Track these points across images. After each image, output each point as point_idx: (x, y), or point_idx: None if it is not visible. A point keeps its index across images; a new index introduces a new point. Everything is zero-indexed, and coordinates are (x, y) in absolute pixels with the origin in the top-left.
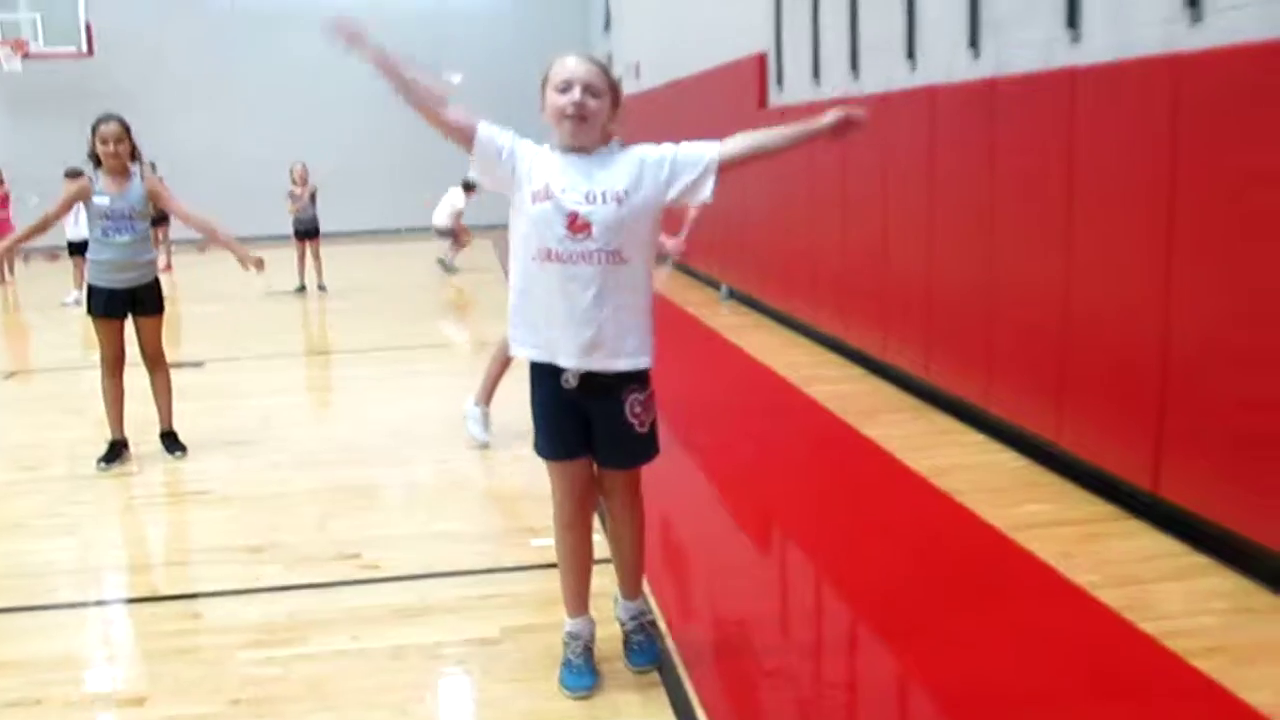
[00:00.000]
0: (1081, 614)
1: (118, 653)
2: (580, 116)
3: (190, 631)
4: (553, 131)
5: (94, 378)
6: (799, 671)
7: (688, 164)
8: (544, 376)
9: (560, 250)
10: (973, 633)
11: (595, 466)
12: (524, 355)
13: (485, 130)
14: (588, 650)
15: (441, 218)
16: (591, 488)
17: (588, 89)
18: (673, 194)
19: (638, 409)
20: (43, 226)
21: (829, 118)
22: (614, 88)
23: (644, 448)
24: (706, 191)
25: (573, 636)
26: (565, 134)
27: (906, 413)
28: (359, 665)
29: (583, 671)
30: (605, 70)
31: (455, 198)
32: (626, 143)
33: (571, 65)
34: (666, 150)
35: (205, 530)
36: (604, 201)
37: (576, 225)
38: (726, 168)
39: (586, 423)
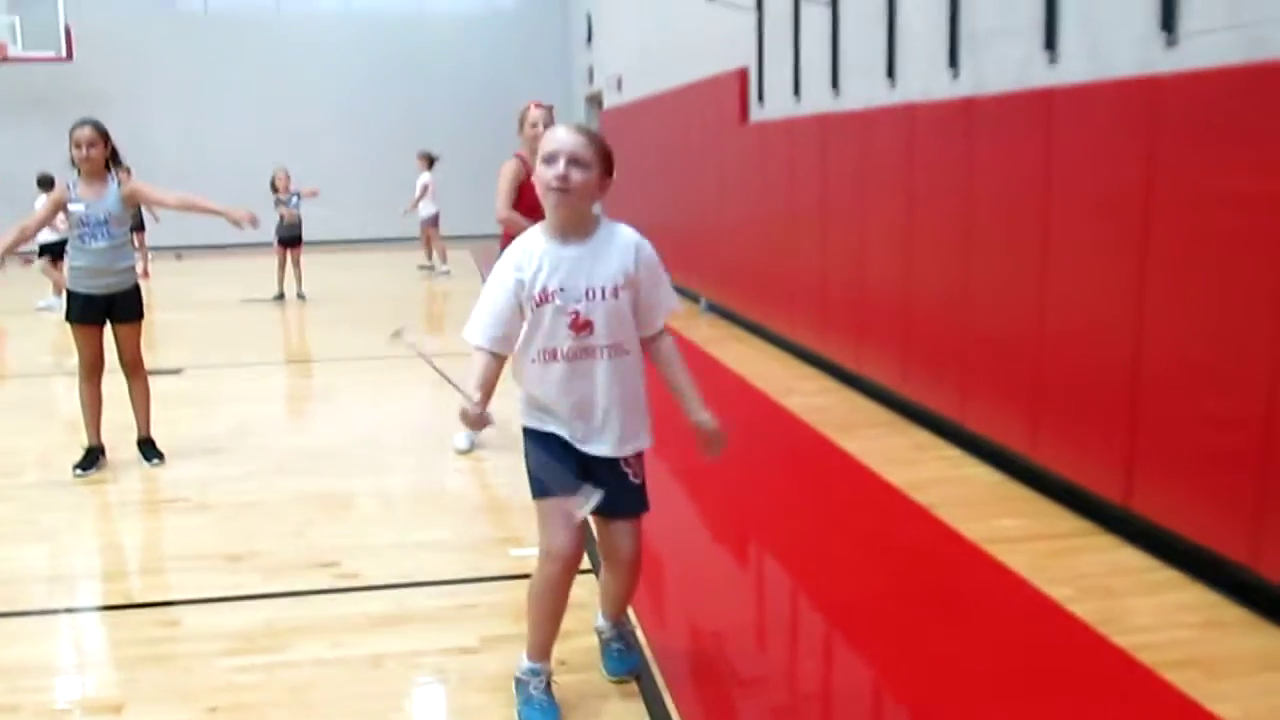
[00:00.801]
0: (1055, 627)
1: (94, 660)
2: (563, 189)
3: (168, 639)
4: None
5: (68, 383)
6: (775, 682)
7: (655, 308)
8: (546, 437)
9: (565, 349)
10: (947, 644)
11: (602, 524)
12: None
13: (490, 339)
14: (549, 685)
15: (429, 206)
16: (583, 535)
17: (573, 160)
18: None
19: (633, 461)
20: (21, 239)
21: (700, 419)
22: (604, 157)
23: (640, 497)
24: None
25: (535, 674)
26: (551, 205)
27: (883, 426)
28: (337, 674)
29: (546, 708)
30: (594, 141)
31: (425, 178)
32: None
33: (559, 137)
34: (661, 273)
35: (183, 537)
36: (602, 298)
37: (579, 324)
38: (648, 340)
39: (584, 470)
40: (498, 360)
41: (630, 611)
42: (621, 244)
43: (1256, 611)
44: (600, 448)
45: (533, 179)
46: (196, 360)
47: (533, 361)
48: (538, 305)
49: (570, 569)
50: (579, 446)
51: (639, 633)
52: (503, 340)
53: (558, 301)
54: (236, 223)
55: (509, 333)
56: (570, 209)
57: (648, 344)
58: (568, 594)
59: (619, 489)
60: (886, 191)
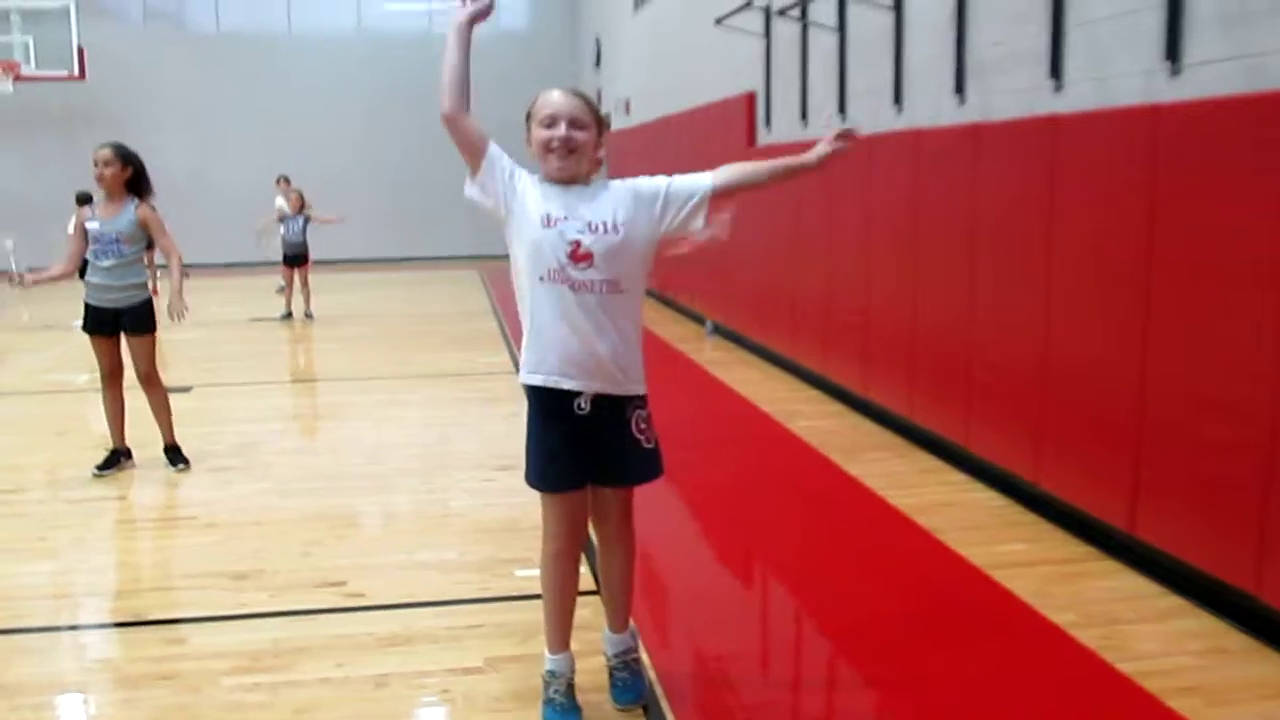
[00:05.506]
0: (1059, 653)
1: (100, 677)
2: (568, 149)
3: (174, 657)
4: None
5: (78, 400)
6: (780, 707)
7: (680, 196)
8: (551, 406)
9: (563, 277)
10: (952, 670)
11: (593, 492)
12: (533, 382)
13: (496, 149)
14: (570, 687)
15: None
16: (585, 519)
17: (573, 123)
18: (665, 226)
19: (643, 425)
20: (65, 273)
21: (815, 154)
22: (598, 119)
23: (650, 464)
24: (698, 223)
25: (554, 675)
26: (552, 167)
27: (888, 450)
28: (343, 693)
29: (567, 710)
30: (589, 103)
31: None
32: (612, 179)
33: (556, 100)
34: (660, 183)
35: (189, 555)
36: (604, 232)
37: (578, 255)
38: (719, 198)
39: (588, 452)
40: (474, 125)
41: (636, 637)
42: (616, 189)
43: (1260, 639)
44: (592, 384)
45: (530, 141)
46: (205, 379)
47: (540, 280)
48: (541, 227)
49: (567, 555)
50: (580, 387)
51: (644, 658)
52: (495, 159)
53: (560, 227)
54: (169, 311)
55: (496, 169)
56: (572, 168)
57: (725, 198)
58: (573, 580)
59: (625, 453)
60: (892, 216)
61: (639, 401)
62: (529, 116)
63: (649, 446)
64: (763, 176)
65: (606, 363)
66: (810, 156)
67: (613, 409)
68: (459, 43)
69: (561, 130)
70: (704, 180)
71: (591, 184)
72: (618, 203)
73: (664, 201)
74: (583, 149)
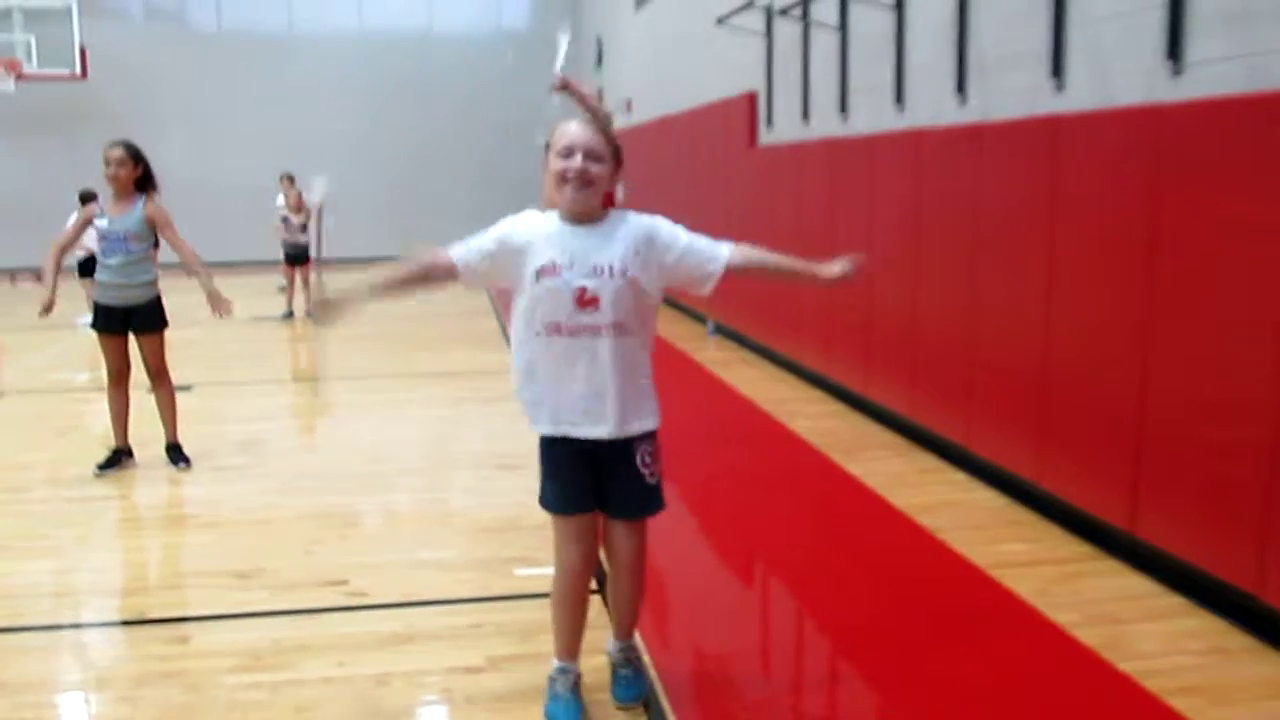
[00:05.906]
0: (1060, 652)
1: (102, 676)
2: (583, 181)
3: (177, 655)
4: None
5: (80, 400)
6: (781, 706)
7: (696, 258)
8: (556, 440)
9: (568, 324)
10: (953, 669)
11: (604, 521)
12: (538, 431)
13: (461, 256)
14: (577, 683)
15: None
16: (595, 542)
17: (589, 154)
18: (673, 280)
19: (648, 459)
20: (59, 257)
21: (836, 272)
22: (616, 152)
23: (649, 499)
24: (706, 289)
25: (562, 671)
26: (567, 198)
27: (889, 450)
28: (345, 691)
29: (570, 705)
30: (607, 135)
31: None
32: (622, 179)
33: (574, 131)
34: (680, 236)
35: (192, 554)
36: (611, 276)
37: (585, 300)
38: (729, 275)
39: (595, 479)
40: (441, 271)
41: (638, 637)
42: (631, 227)
43: (1261, 639)
44: (600, 429)
45: (549, 171)
46: (206, 377)
47: (536, 334)
48: (541, 277)
49: (582, 579)
50: (576, 431)
51: (645, 657)
52: (470, 266)
53: (564, 274)
54: (213, 308)
55: (478, 267)
56: (587, 200)
57: (733, 277)
58: (584, 600)
59: (628, 487)
60: (893, 216)
61: (646, 438)
62: (547, 147)
63: (651, 482)
64: (778, 272)
65: (612, 406)
66: (832, 272)
67: (620, 443)
68: (382, 298)
69: (577, 162)
70: (722, 254)
71: (607, 220)
72: (629, 242)
73: (678, 258)
74: (598, 181)
